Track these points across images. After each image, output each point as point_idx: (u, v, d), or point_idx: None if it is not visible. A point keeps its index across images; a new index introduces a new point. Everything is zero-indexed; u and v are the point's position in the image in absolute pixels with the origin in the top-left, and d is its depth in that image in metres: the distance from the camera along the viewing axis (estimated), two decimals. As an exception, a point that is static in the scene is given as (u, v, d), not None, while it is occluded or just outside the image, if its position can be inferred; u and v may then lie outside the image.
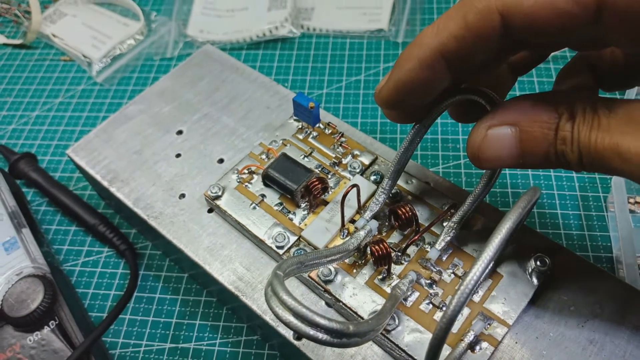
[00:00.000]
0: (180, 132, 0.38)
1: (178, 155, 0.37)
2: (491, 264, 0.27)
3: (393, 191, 0.31)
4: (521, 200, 0.23)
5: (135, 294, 0.39)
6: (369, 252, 0.29)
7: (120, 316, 0.38)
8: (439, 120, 0.46)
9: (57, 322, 0.33)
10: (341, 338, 0.21)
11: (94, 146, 0.38)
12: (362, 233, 0.29)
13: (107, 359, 0.35)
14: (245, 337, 0.36)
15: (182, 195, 0.35)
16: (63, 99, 0.53)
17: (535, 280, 0.28)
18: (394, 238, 0.30)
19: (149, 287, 0.39)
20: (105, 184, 0.36)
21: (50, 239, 0.43)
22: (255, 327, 0.35)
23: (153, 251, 0.41)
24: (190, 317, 0.37)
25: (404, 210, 0.29)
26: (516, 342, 0.27)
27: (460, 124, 0.45)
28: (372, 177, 0.33)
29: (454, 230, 0.28)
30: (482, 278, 0.27)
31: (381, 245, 0.27)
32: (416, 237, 0.28)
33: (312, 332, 0.21)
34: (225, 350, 0.36)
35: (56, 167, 0.47)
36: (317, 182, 0.31)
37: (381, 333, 0.27)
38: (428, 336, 0.26)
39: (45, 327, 0.33)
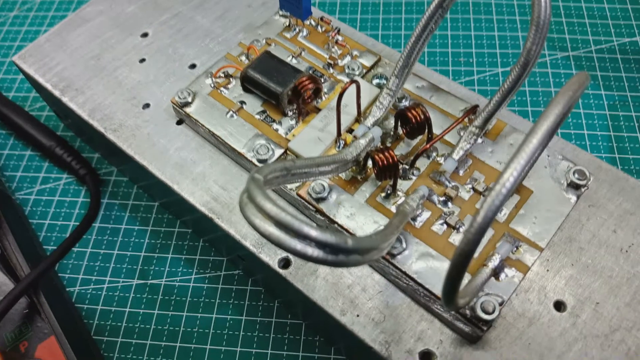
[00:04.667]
0: (145, 35, 0.32)
1: (142, 61, 0.31)
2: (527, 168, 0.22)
3: (400, 95, 0.26)
4: (570, 83, 0.18)
5: (97, 224, 0.34)
6: (370, 164, 0.24)
7: (81, 249, 0.33)
8: (448, 32, 0.40)
9: None
10: (337, 254, 0.16)
11: (45, 52, 0.32)
12: (362, 142, 0.24)
13: (61, 297, 0.30)
14: (224, 272, 0.31)
15: (147, 105, 0.29)
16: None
17: (572, 197, 0.23)
18: (401, 150, 0.25)
19: (113, 217, 0.34)
20: (56, 93, 0.30)
21: (1, 165, 0.37)
22: (237, 260, 0.30)
23: (119, 177, 0.36)
24: (162, 251, 0.33)
25: (414, 112, 0.23)
26: (547, 270, 0.22)
27: (472, 35, 0.39)
28: (375, 81, 0.27)
29: (475, 137, 0.23)
30: (521, 178, 0.22)
31: (386, 154, 0.22)
32: (429, 145, 0.23)
33: (299, 245, 0.16)
34: (202, 286, 0.31)
35: (10, 85, 0.41)
36: (307, 82, 0.25)
37: (384, 258, 0.22)
38: (442, 262, 0.21)
39: (-13, 258, 0.28)
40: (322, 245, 0.16)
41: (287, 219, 0.16)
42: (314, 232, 0.16)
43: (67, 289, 0.31)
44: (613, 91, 0.36)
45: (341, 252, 0.16)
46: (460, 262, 0.16)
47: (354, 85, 0.24)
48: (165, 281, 0.31)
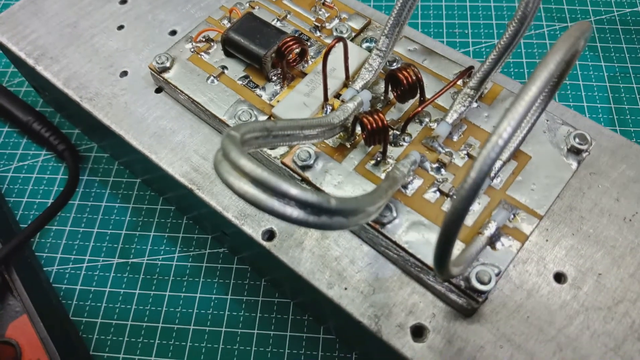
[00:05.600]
0: (124, 1, 0.31)
1: (120, 27, 0.29)
2: (526, 130, 0.21)
3: (391, 58, 0.25)
4: (571, 30, 0.16)
5: (77, 201, 0.32)
6: (358, 129, 0.22)
7: (59, 227, 0.31)
8: (443, 3, 0.38)
9: (-28, 230, 0.27)
10: (319, 215, 0.15)
11: (18, 20, 0.31)
12: (350, 105, 0.22)
13: (36, 275, 0.29)
14: (209, 250, 0.30)
15: (124, 73, 0.28)
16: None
17: (572, 162, 0.22)
18: (392, 115, 0.23)
19: (93, 195, 0.32)
20: (30, 62, 0.29)
21: (-23, 142, 0.36)
22: (222, 237, 0.29)
23: (99, 154, 0.34)
24: (143, 229, 0.31)
25: (405, 73, 0.22)
26: (547, 240, 0.21)
27: (467, 6, 0.38)
28: (365, 45, 0.26)
29: (470, 99, 0.22)
30: (519, 136, 0.21)
31: (375, 117, 0.21)
32: (421, 108, 0.22)
33: (277, 204, 0.14)
34: (185, 265, 0.30)
35: (-14, 61, 0.40)
36: (292, 43, 0.24)
37: (374, 227, 0.20)
38: (434, 231, 0.20)
39: (-42, 235, 0.27)
40: (303, 204, 0.14)
41: (264, 175, 0.14)
42: (293, 190, 0.14)
43: (45, 269, 0.30)
44: (613, 62, 0.34)
45: (324, 213, 0.15)
46: (453, 222, 0.15)
47: (341, 48, 0.23)
48: (147, 260, 0.30)
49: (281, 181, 0.14)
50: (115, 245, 0.31)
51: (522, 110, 0.14)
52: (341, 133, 0.22)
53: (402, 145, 0.22)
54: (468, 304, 0.19)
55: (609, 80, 0.34)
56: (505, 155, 0.21)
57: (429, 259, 0.20)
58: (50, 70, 0.28)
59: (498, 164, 0.21)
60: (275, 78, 0.25)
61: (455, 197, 0.14)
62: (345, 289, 0.21)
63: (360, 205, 0.16)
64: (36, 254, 0.31)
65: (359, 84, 0.23)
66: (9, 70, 0.39)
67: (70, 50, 0.29)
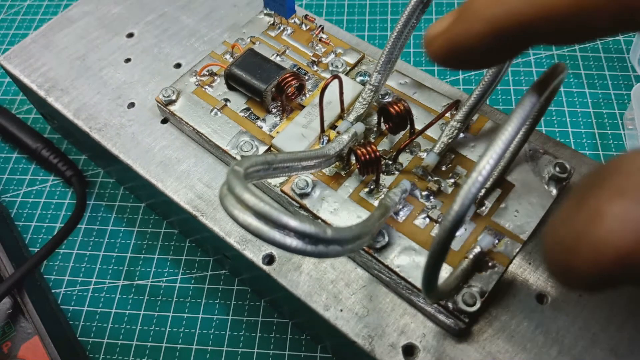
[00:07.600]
0: (130, 35, 0.32)
1: (128, 60, 0.31)
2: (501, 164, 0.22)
3: (383, 91, 0.26)
4: (546, 73, 0.18)
5: (84, 225, 0.34)
6: (353, 159, 0.24)
7: (67, 251, 0.33)
8: (434, 33, 0.40)
9: (-16, 254, 0.28)
10: (317, 244, 0.16)
11: (30, 53, 0.32)
12: (345, 137, 0.24)
13: (46, 297, 0.30)
14: (211, 272, 0.31)
15: (132, 105, 0.29)
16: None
17: (553, 190, 0.23)
18: (384, 146, 0.25)
19: (100, 219, 0.34)
20: (41, 93, 0.30)
21: (-13, 168, 0.37)
22: (223, 260, 0.30)
23: (105, 179, 0.35)
24: (148, 251, 0.32)
25: (396, 107, 0.23)
26: (530, 263, 0.22)
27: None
28: (359, 79, 0.27)
29: (456, 131, 0.23)
30: (502, 169, 0.22)
31: (368, 148, 0.22)
32: (411, 140, 0.23)
33: (278, 236, 0.16)
34: (188, 286, 0.31)
35: (-4, 89, 0.41)
36: (291, 78, 0.25)
37: (367, 252, 0.22)
38: (424, 255, 0.22)
39: (-29, 259, 0.28)
40: (301, 235, 0.16)
41: (266, 209, 0.16)
42: (292, 222, 0.16)
43: (53, 291, 0.31)
44: (597, 89, 0.36)
45: (320, 243, 0.16)
46: (438, 250, 0.16)
47: (337, 82, 0.25)
48: (151, 282, 0.31)
49: (281, 214, 0.16)
50: (121, 268, 0.32)
51: (500, 150, 0.15)
52: (337, 163, 0.24)
53: (393, 174, 0.24)
54: (455, 324, 0.21)
55: (593, 107, 0.35)
56: (487, 183, 0.22)
57: (419, 281, 0.21)
58: (61, 102, 0.30)
59: (482, 192, 0.23)
60: (275, 110, 0.26)
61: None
62: (341, 310, 0.22)
63: (354, 234, 0.17)
64: (44, 276, 0.32)
65: (353, 116, 0.25)
66: (18, 98, 0.41)
67: (79, 82, 0.30)
